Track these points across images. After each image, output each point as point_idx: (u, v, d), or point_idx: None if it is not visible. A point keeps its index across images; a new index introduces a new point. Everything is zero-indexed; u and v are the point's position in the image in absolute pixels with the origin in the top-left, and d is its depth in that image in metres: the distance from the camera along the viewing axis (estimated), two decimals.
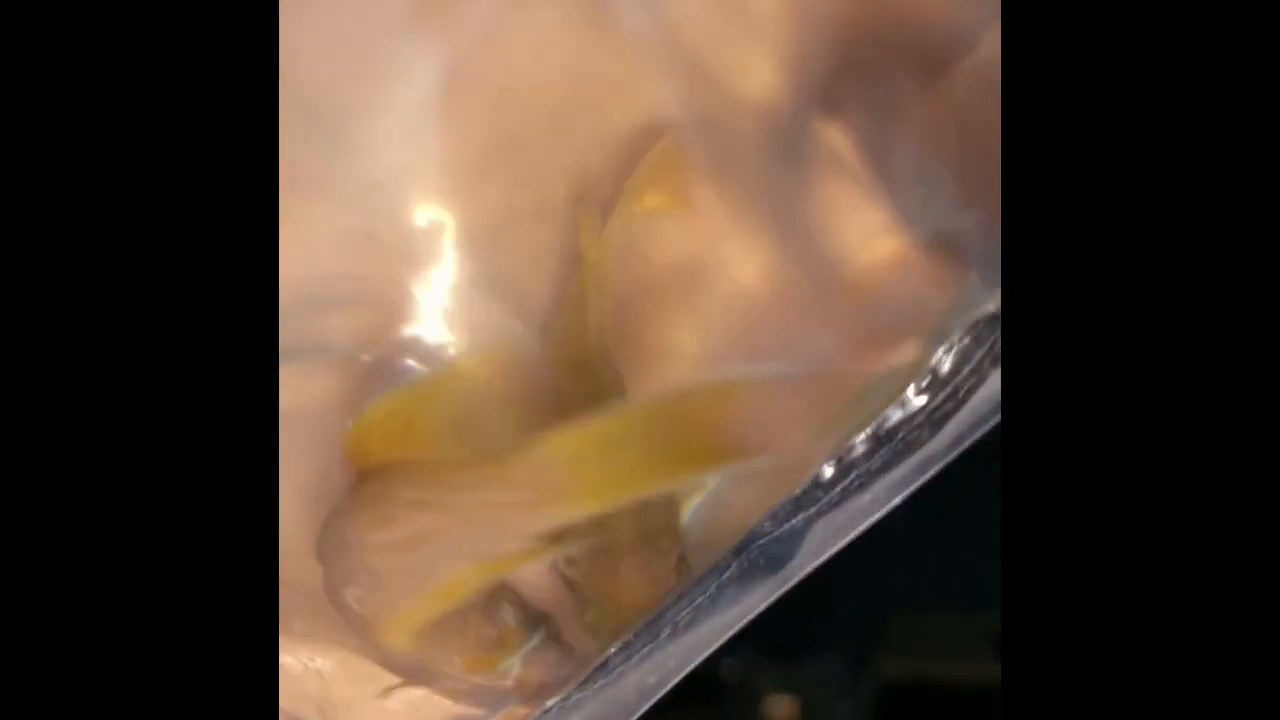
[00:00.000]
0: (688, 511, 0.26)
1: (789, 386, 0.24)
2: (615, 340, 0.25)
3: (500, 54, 0.23)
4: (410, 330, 0.25)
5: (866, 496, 0.24)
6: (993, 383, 0.23)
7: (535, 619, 0.26)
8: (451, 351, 0.25)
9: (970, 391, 0.23)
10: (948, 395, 0.24)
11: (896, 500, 0.24)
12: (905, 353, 0.24)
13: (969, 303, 0.24)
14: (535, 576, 0.27)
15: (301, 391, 0.25)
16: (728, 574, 0.25)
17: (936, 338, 0.24)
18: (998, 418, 0.23)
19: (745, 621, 0.24)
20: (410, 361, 0.26)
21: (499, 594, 0.26)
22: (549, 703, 0.26)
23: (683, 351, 0.25)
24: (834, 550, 0.24)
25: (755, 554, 0.25)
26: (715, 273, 0.25)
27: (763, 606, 0.24)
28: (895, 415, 0.24)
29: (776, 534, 0.25)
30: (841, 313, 0.25)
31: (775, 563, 0.24)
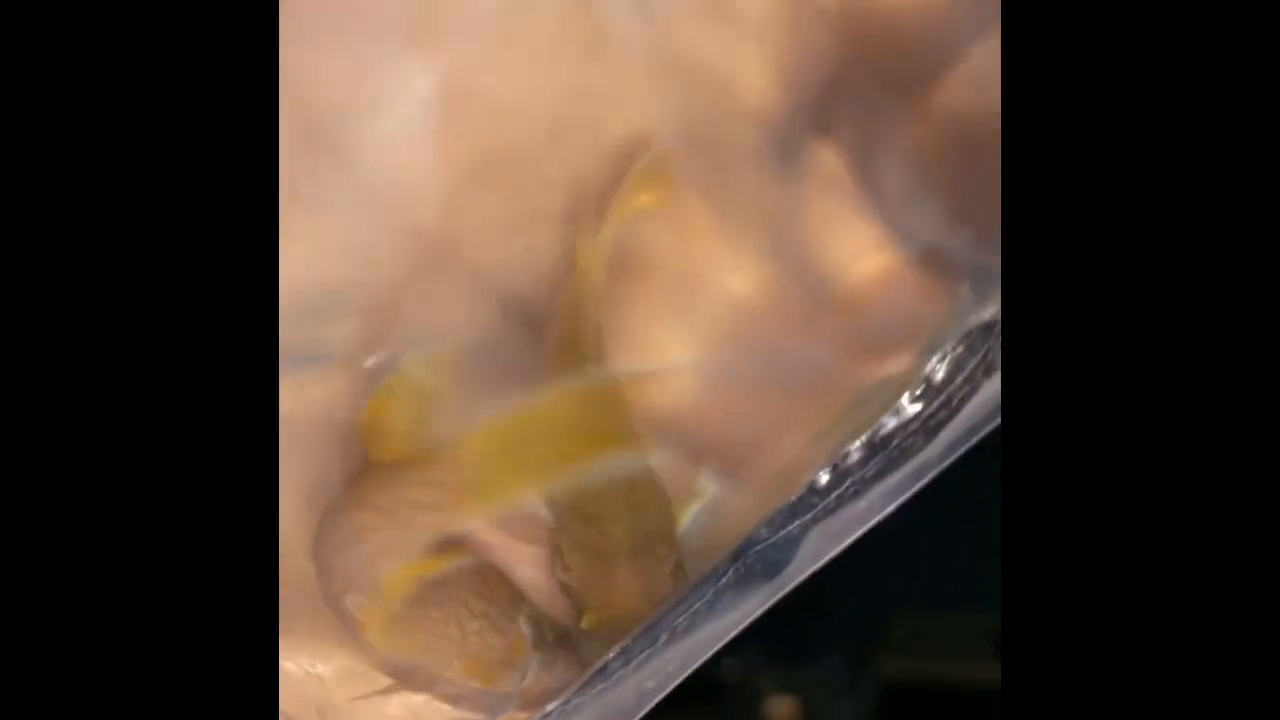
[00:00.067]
0: (686, 518, 0.27)
1: (784, 394, 0.25)
2: (611, 348, 0.25)
3: (497, 67, 0.24)
4: (409, 338, 0.26)
5: (862, 503, 0.24)
6: (985, 391, 0.23)
7: (554, 631, 0.27)
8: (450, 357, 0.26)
9: (964, 400, 0.23)
10: (942, 403, 0.24)
11: (891, 507, 0.24)
12: (899, 363, 0.24)
13: (961, 314, 0.24)
14: (544, 584, 0.27)
15: (303, 398, 0.25)
16: (725, 580, 0.25)
17: (930, 348, 0.24)
18: (990, 425, 0.23)
19: (742, 627, 0.25)
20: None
21: (517, 606, 0.27)
22: (549, 707, 0.26)
23: (678, 360, 0.25)
24: (829, 556, 0.24)
25: (752, 560, 0.25)
26: (710, 284, 0.25)
27: (759, 612, 0.24)
28: (890, 423, 0.24)
29: (773, 540, 0.25)
30: (835, 324, 0.25)
31: (772, 569, 0.25)
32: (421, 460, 0.25)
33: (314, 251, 0.24)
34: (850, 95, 0.23)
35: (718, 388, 0.26)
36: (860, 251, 0.24)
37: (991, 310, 0.23)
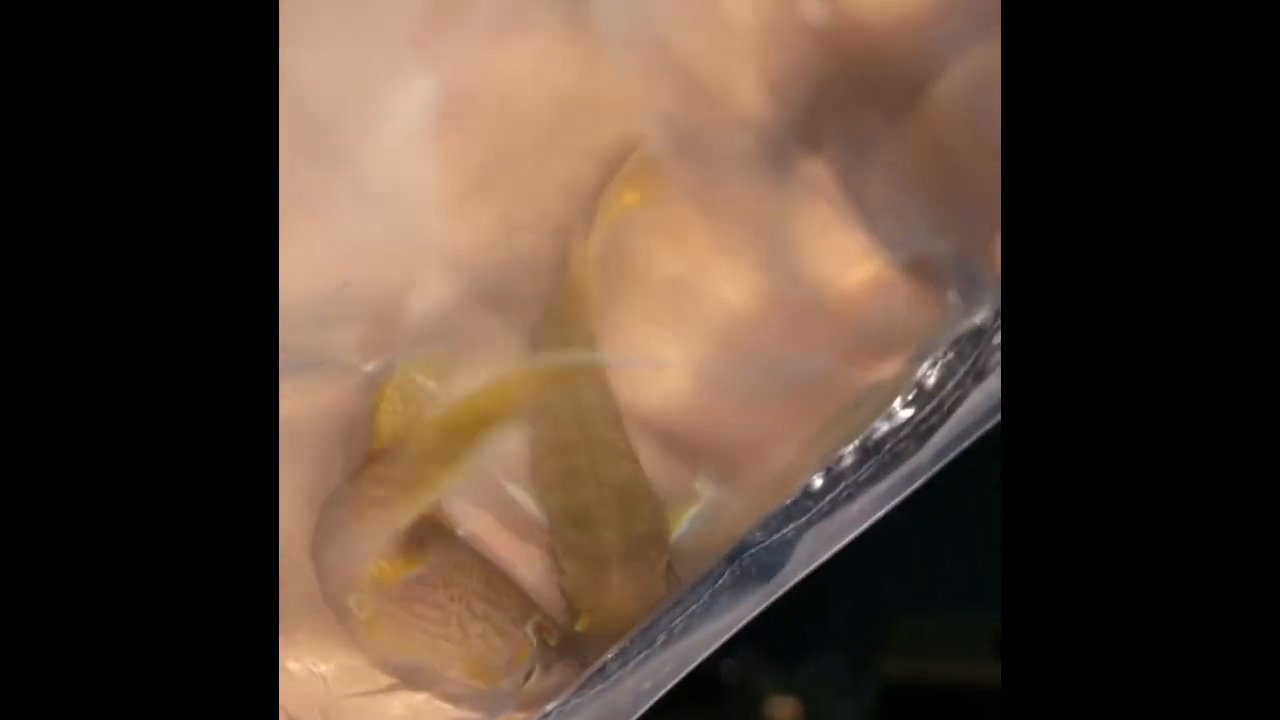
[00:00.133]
0: (683, 522, 0.27)
1: (777, 399, 0.25)
2: (604, 351, 0.25)
3: (495, 75, 0.24)
4: (409, 342, 0.26)
5: (855, 507, 0.24)
6: (975, 396, 0.23)
7: (559, 637, 0.27)
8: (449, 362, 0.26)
9: (955, 405, 0.23)
10: (933, 409, 0.24)
11: (884, 510, 0.24)
12: (890, 368, 0.25)
13: (949, 320, 0.24)
14: (548, 588, 0.27)
15: (304, 403, 0.25)
16: (721, 582, 0.25)
17: (920, 354, 0.24)
18: (980, 431, 0.23)
19: (737, 628, 0.25)
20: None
21: (524, 610, 0.27)
22: (548, 707, 0.26)
23: (672, 365, 0.26)
24: (823, 559, 0.24)
25: (747, 562, 0.25)
26: (703, 290, 0.25)
27: (753, 614, 0.25)
28: (883, 427, 0.24)
29: (768, 543, 0.25)
30: (827, 330, 0.25)
31: (767, 571, 0.25)
32: (382, 457, 0.26)
33: (315, 255, 0.24)
34: (836, 108, 0.23)
35: (711, 392, 0.26)
36: (849, 259, 0.24)
37: (980, 316, 0.24)
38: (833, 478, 0.25)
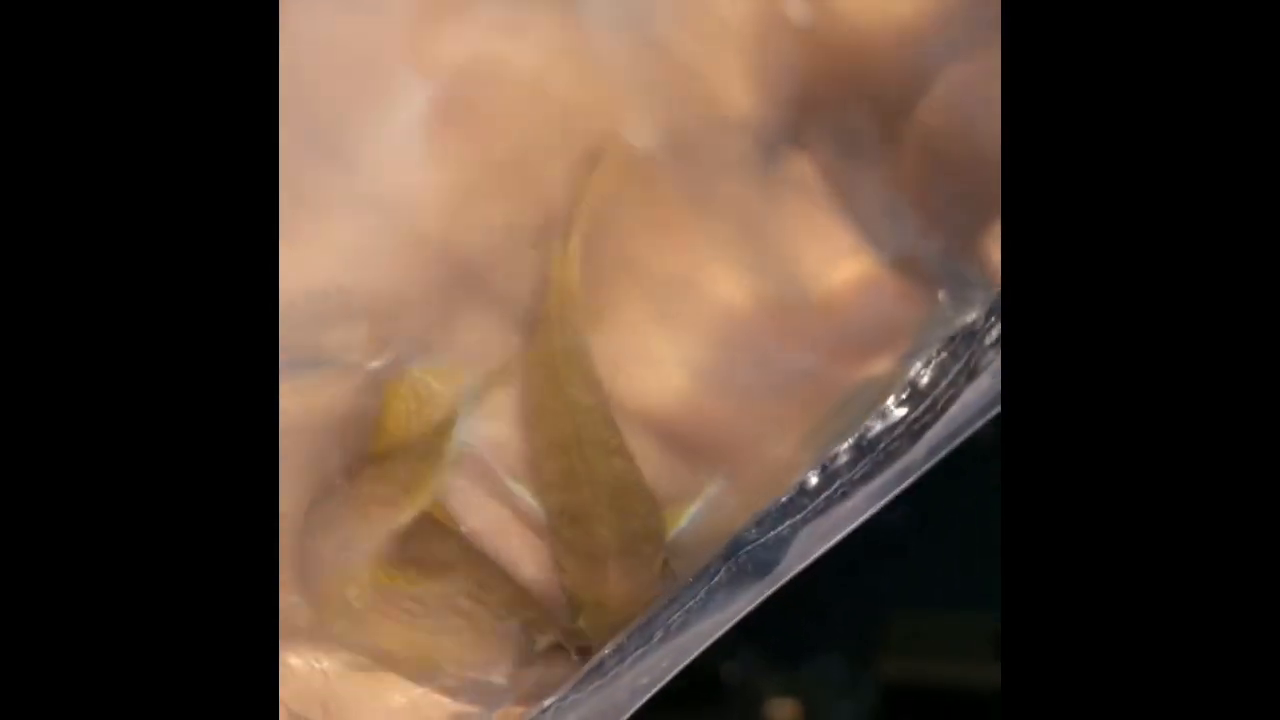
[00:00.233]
0: (684, 518, 0.27)
1: (771, 397, 0.25)
2: (596, 354, 0.26)
3: (494, 78, 0.24)
4: (410, 343, 0.26)
5: (849, 504, 0.24)
6: (968, 395, 0.23)
7: (548, 640, 0.27)
8: (448, 363, 0.26)
9: (948, 404, 0.24)
10: (927, 407, 0.24)
11: (877, 507, 0.24)
12: (881, 366, 0.25)
13: (941, 319, 0.24)
14: (549, 586, 0.27)
15: (304, 403, 0.25)
16: (717, 579, 0.25)
17: (912, 352, 0.24)
18: (972, 428, 0.23)
19: (732, 624, 0.25)
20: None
21: (513, 610, 0.27)
22: (546, 702, 0.26)
23: (663, 365, 0.26)
24: (817, 555, 0.25)
25: (744, 559, 0.25)
26: (695, 289, 0.25)
27: (748, 610, 0.25)
28: (877, 426, 0.25)
29: (764, 540, 0.25)
30: (818, 328, 0.25)
31: (763, 568, 0.25)
32: (387, 456, 0.26)
33: (315, 254, 0.24)
34: (827, 107, 0.24)
35: (707, 390, 0.26)
36: (838, 257, 0.25)
37: (972, 316, 0.24)
38: (828, 475, 0.25)
